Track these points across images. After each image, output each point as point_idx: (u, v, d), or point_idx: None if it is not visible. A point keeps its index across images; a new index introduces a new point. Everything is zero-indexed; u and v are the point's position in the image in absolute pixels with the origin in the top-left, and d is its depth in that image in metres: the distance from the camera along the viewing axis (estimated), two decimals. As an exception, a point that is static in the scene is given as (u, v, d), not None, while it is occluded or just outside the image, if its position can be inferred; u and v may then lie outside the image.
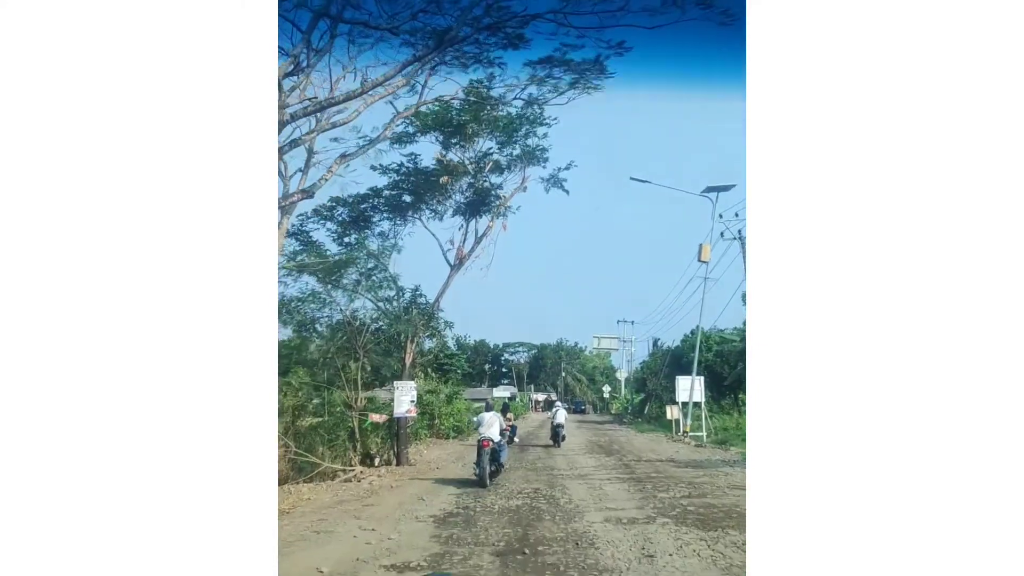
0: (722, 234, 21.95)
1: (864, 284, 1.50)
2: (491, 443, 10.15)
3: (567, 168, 15.69)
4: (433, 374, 18.19)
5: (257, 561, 1.54)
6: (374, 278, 13.70)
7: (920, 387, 1.45)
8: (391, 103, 11.24)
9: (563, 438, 18.19)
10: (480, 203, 14.72)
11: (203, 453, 1.53)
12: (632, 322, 48.81)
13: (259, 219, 1.57)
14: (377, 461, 14.61)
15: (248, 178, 1.54)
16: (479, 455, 10.08)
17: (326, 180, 9.67)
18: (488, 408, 11.27)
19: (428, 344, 15.93)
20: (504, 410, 11.97)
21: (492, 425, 10.37)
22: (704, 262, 21.07)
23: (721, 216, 21.96)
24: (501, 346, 74.57)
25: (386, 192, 15.41)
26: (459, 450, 18.67)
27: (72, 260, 1.46)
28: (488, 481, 9.91)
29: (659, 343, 46.36)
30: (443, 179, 13.82)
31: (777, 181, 1.62)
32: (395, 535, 6.59)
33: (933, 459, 1.43)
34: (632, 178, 21.44)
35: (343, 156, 10.11)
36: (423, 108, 14.79)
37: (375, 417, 13.16)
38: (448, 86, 11.36)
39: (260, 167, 1.58)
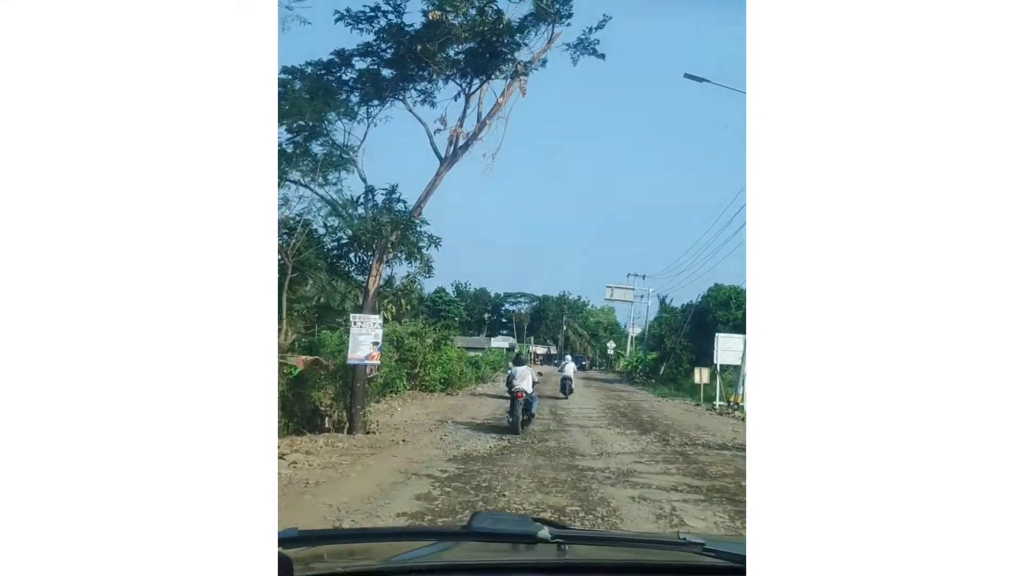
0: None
1: (880, 256, 1.35)
2: (524, 394, 10.87)
3: (600, 27, 10.68)
4: (408, 308, 13.67)
5: (255, 561, 1.35)
6: (314, 154, 9.09)
7: (934, 378, 1.29)
8: None
9: (571, 390, 19.27)
10: (486, 58, 9.98)
11: (200, 450, 1.37)
12: (643, 276, 44.55)
13: (258, 214, 1.53)
14: (327, 422, 10.79)
15: (247, 170, 1.53)
16: (513, 406, 10.84)
17: None
18: (520, 362, 12.18)
19: (407, 269, 11.43)
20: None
21: (525, 378, 11.09)
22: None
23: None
24: (502, 295, 71.04)
25: (357, 63, 10.76)
26: (443, 407, 14.62)
27: (68, 249, 1.42)
28: (520, 429, 10.58)
29: (667, 300, 42.25)
30: (432, 13, 9.14)
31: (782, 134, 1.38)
32: None
33: (944, 446, 1.29)
34: (687, 75, 16.49)
35: None
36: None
37: (299, 363, 8.96)
38: None
39: (259, 162, 1.55)
